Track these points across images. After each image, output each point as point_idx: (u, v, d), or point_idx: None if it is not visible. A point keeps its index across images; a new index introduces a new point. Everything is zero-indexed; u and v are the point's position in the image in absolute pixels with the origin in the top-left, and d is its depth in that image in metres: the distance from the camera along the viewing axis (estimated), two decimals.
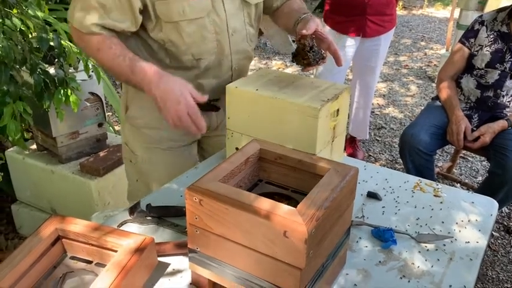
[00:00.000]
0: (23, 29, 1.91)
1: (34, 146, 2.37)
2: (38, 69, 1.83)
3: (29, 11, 1.92)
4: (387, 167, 1.47)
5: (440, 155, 3.42)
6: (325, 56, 1.31)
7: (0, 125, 1.77)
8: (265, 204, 0.78)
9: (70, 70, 2.06)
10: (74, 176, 2.17)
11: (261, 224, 0.76)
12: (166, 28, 1.30)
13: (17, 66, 1.81)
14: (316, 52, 1.28)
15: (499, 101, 2.30)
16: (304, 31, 1.27)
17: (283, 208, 0.76)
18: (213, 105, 1.47)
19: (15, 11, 1.88)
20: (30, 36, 1.96)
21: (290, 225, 0.74)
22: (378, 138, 3.72)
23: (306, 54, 1.27)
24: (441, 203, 1.25)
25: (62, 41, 1.94)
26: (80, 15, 1.26)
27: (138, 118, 1.49)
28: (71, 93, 1.97)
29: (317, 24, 1.30)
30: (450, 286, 0.96)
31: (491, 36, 2.34)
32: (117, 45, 1.27)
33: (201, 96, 1.23)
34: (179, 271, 0.99)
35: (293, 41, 1.38)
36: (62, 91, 1.94)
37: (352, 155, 3.32)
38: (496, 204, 1.26)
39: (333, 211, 0.82)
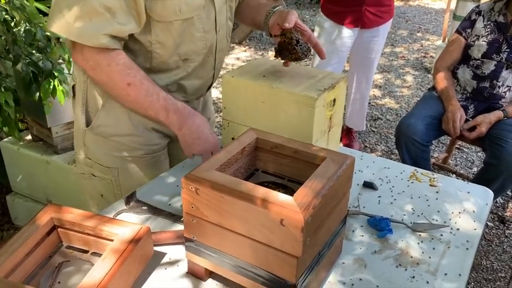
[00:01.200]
0: (7, 19, 1.88)
1: (29, 137, 2.36)
2: (28, 60, 1.81)
3: (15, 1, 1.89)
4: (383, 158, 1.47)
5: (436, 146, 3.43)
6: (311, 49, 1.28)
7: None
8: (261, 192, 0.77)
9: (59, 61, 2.04)
10: (69, 166, 2.16)
11: (257, 213, 0.76)
12: (156, 28, 1.17)
13: (1, 57, 1.79)
14: (302, 45, 1.24)
15: (495, 92, 2.31)
16: (286, 24, 1.22)
17: (280, 196, 0.76)
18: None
19: (3, 1, 1.86)
20: (15, 27, 1.93)
21: (287, 214, 0.73)
22: (373, 129, 3.72)
23: (294, 48, 1.22)
24: (437, 192, 1.26)
25: (47, 33, 1.92)
26: (80, 24, 1.05)
27: (107, 126, 1.32)
28: (58, 85, 1.94)
29: (296, 17, 1.26)
30: (445, 274, 0.97)
31: (488, 27, 2.34)
32: (148, 80, 1.18)
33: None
34: (175, 260, 0.99)
35: (270, 35, 1.36)
36: (50, 83, 1.91)
37: (349, 145, 3.33)
38: (491, 193, 1.27)
39: (329, 199, 0.82)
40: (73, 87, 1.37)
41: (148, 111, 1.20)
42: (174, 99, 1.21)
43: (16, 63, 1.79)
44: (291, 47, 1.22)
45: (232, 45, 5.56)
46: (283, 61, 1.29)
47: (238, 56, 5.25)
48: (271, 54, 5.36)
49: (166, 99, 1.19)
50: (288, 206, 0.74)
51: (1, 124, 1.75)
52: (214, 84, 1.50)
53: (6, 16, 1.86)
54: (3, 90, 1.78)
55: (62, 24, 1.07)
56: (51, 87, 1.91)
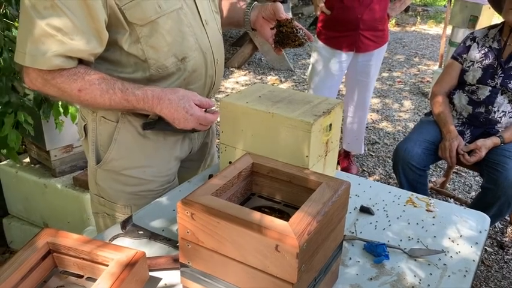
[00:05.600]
0: None
1: (27, 159, 2.36)
2: None
3: None
4: (381, 182, 1.48)
5: (433, 170, 3.44)
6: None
7: (1, 135, 1.78)
8: (257, 218, 0.78)
9: None
10: (67, 189, 2.16)
11: (252, 238, 0.76)
12: (143, 33, 1.17)
13: (18, 77, 1.82)
14: (300, 31, 1.35)
15: (490, 117, 2.33)
16: (282, 15, 1.36)
17: (275, 222, 0.77)
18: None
19: (16, 23, 1.90)
20: None
21: (282, 239, 0.74)
22: (371, 153, 3.74)
23: (296, 35, 1.34)
24: (434, 217, 1.26)
25: None
26: (33, 49, 1.06)
27: (119, 159, 1.33)
28: (70, 105, 1.97)
29: (280, 6, 1.38)
30: None
31: (483, 52, 2.37)
32: (98, 78, 1.13)
33: (207, 100, 1.22)
34: (171, 285, 0.98)
35: (252, 30, 1.51)
36: (62, 102, 1.95)
37: (346, 169, 3.33)
38: (488, 219, 1.27)
39: (325, 225, 0.82)
40: (84, 127, 1.36)
41: (116, 107, 1.17)
42: (131, 87, 1.16)
43: None
44: (293, 35, 1.34)
45: (231, 69, 5.63)
46: (276, 49, 1.42)
47: (237, 80, 5.31)
48: (270, 78, 5.41)
49: (123, 90, 1.15)
50: (283, 231, 0.74)
51: (15, 143, 1.78)
52: (212, 108, 1.52)
53: None
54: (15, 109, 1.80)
55: (20, 52, 1.08)
56: (62, 108, 1.94)
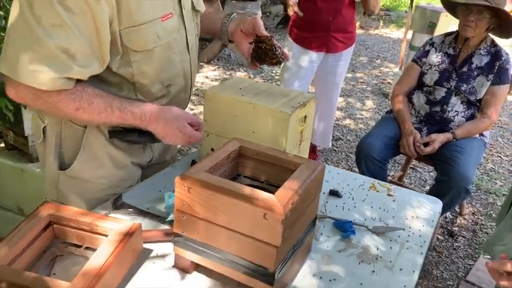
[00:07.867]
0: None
1: (2, 145, 2.37)
2: None
3: None
4: (347, 171, 1.63)
5: (392, 166, 3.66)
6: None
7: None
8: (247, 191, 0.90)
9: None
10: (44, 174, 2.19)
11: (244, 208, 0.88)
12: (136, 58, 1.17)
13: None
14: (278, 50, 1.35)
15: (445, 116, 2.54)
16: (263, 31, 1.34)
17: (264, 194, 0.89)
18: None
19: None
20: None
21: (270, 208, 0.86)
22: (335, 149, 3.92)
23: (274, 53, 1.34)
24: (394, 201, 1.42)
25: None
26: (35, 69, 1.00)
27: (87, 169, 1.30)
28: None
29: (261, 21, 1.37)
30: (401, 269, 1.12)
31: (439, 57, 2.59)
32: (96, 96, 1.12)
33: (196, 119, 1.26)
34: (162, 255, 1.08)
35: (229, 41, 1.50)
36: None
37: None
38: (440, 202, 1.45)
39: (304, 199, 0.95)
40: (43, 129, 1.30)
41: (111, 123, 1.18)
42: (129, 106, 1.16)
43: None
44: (271, 53, 1.34)
45: (201, 63, 5.69)
46: (252, 65, 1.40)
47: (207, 75, 5.38)
48: (239, 74, 5.52)
49: (121, 108, 1.15)
50: (271, 201, 0.87)
51: None
52: (197, 100, 1.59)
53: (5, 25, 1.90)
54: None
55: (13, 66, 1.01)
56: None
